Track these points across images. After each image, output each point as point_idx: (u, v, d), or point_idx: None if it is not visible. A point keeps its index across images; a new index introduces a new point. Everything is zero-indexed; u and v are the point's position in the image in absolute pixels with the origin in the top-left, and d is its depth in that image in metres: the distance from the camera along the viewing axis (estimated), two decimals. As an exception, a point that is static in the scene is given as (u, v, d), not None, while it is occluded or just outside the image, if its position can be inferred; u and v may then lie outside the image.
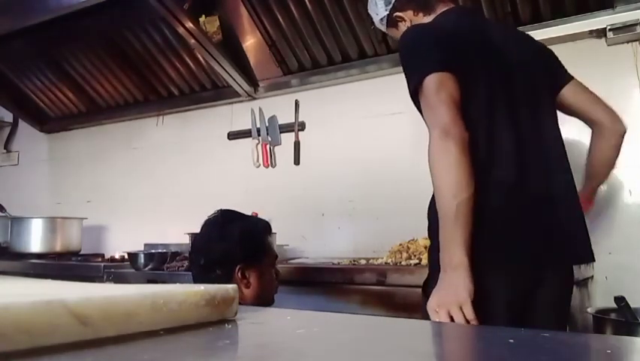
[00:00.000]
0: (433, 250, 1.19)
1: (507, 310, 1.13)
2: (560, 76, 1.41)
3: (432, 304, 1.10)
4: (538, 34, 1.96)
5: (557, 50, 1.98)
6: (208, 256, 1.41)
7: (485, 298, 1.09)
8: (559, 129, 1.34)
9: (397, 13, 1.42)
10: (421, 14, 1.39)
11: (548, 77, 1.38)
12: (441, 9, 1.36)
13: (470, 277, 1.07)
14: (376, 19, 1.48)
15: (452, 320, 1.05)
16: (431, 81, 1.15)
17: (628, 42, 1.91)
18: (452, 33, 1.26)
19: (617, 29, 1.85)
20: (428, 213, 1.25)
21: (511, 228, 1.16)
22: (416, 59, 1.23)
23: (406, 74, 1.24)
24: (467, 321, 1.05)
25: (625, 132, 1.43)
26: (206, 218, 1.52)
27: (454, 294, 1.07)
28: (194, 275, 1.49)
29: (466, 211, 1.08)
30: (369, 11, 1.50)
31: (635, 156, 1.86)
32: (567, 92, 1.40)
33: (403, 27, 1.40)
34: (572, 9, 1.93)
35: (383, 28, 1.50)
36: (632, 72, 1.89)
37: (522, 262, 1.17)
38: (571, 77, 1.42)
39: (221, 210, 1.53)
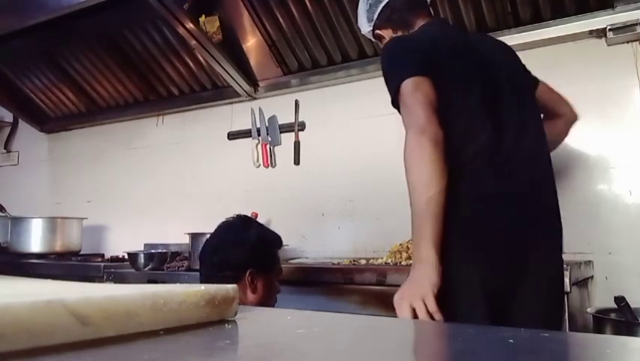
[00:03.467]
0: None
1: (485, 301, 1.13)
2: (532, 78, 1.49)
3: (396, 297, 1.12)
4: (538, 34, 1.97)
5: (557, 50, 2.01)
6: (223, 256, 1.46)
7: (462, 289, 1.12)
8: (543, 128, 1.38)
9: (377, 31, 1.49)
10: (399, 32, 1.45)
11: (527, 78, 1.45)
12: (419, 24, 1.43)
13: (437, 272, 1.09)
14: (364, 32, 1.55)
15: (414, 312, 1.07)
16: (408, 85, 1.20)
17: (628, 42, 1.91)
18: (428, 40, 1.33)
19: (617, 29, 1.85)
20: None
21: (489, 221, 1.19)
22: (394, 68, 1.29)
23: (387, 85, 1.29)
24: (429, 314, 1.06)
25: (576, 120, 1.56)
26: (224, 220, 1.60)
27: (417, 287, 1.09)
28: (202, 273, 1.54)
29: (435, 206, 1.11)
30: (357, 24, 1.57)
31: (635, 156, 1.86)
32: (540, 92, 1.48)
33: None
34: (572, 9, 1.93)
35: (373, 39, 1.58)
36: (632, 72, 1.90)
37: (500, 252, 1.18)
38: (537, 80, 1.51)
39: (239, 215, 1.60)
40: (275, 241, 1.57)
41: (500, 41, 1.51)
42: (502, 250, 1.18)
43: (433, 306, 1.06)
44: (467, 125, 1.24)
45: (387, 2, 1.43)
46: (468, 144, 1.22)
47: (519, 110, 1.31)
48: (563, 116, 1.53)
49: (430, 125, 1.15)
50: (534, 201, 1.26)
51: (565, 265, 1.33)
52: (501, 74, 1.33)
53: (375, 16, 1.46)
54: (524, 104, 1.35)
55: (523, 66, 1.46)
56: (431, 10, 1.53)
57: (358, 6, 1.53)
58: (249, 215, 2.42)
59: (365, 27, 1.51)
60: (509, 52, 1.45)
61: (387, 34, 1.47)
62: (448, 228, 1.13)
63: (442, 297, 1.08)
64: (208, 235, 2.05)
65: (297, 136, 2.58)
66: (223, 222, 1.59)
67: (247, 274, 1.43)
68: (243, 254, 1.45)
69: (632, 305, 1.41)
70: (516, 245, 1.19)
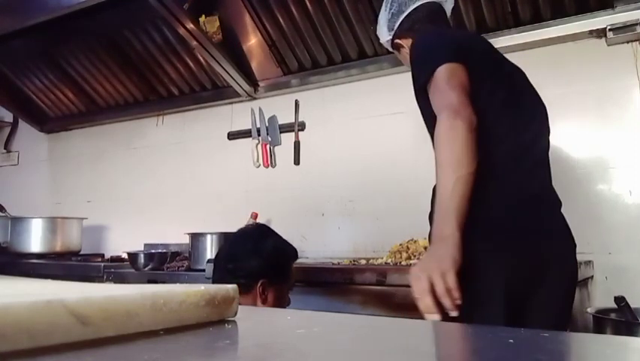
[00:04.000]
0: None
1: (506, 301, 1.12)
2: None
3: (414, 270, 1.09)
4: (538, 34, 1.97)
5: (557, 50, 2.01)
6: (238, 264, 1.46)
7: (485, 287, 1.10)
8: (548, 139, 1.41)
9: (397, 41, 1.49)
10: None
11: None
12: None
13: (459, 249, 1.06)
14: (382, 41, 1.55)
15: (432, 287, 1.03)
16: (443, 70, 1.18)
17: (628, 42, 1.91)
18: (461, 35, 1.37)
19: (617, 29, 1.85)
20: (430, 218, 1.25)
21: (516, 222, 1.18)
22: (429, 54, 1.26)
23: (415, 73, 1.27)
24: (448, 290, 1.02)
25: None
26: (242, 227, 1.61)
27: (438, 261, 1.06)
28: (215, 278, 1.53)
29: (464, 187, 1.09)
30: (377, 33, 1.57)
31: (635, 156, 1.86)
32: None
33: (405, 52, 1.47)
34: (572, 9, 1.93)
35: (390, 49, 1.58)
36: (632, 72, 1.90)
37: (524, 253, 1.17)
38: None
39: (258, 223, 1.63)
40: (290, 253, 1.57)
41: None
42: (527, 250, 1.17)
43: (453, 283, 1.02)
44: (496, 122, 1.23)
45: (409, 13, 1.44)
46: (498, 142, 1.21)
47: (536, 115, 1.34)
48: None
49: (464, 108, 1.13)
50: (552, 203, 1.28)
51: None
52: (521, 80, 1.36)
53: (397, 25, 1.46)
54: (539, 110, 1.37)
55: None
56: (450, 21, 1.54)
57: (379, 15, 1.53)
58: (250, 215, 2.42)
59: (385, 36, 1.51)
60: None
61: (406, 43, 1.47)
62: (475, 225, 1.10)
63: (464, 292, 1.04)
64: (208, 236, 2.07)
65: (297, 136, 2.58)
66: (241, 230, 1.59)
67: (259, 284, 1.43)
68: (257, 264, 1.45)
69: (632, 305, 1.41)
70: (539, 246, 1.19)
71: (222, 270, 1.49)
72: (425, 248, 1.70)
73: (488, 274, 1.12)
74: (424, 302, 1.04)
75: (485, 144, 1.15)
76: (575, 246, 1.29)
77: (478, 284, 1.10)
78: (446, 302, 1.02)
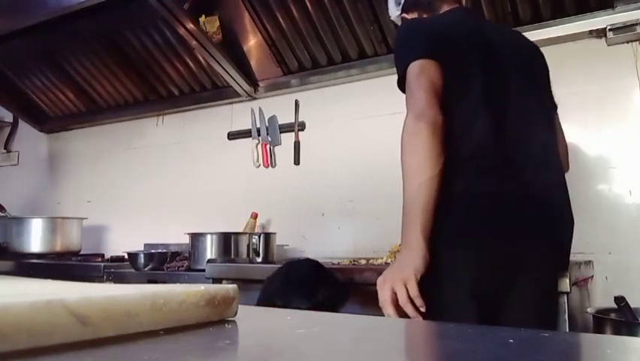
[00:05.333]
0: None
1: (473, 302, 1.11)
2: (553, 99, 1.44)
3: (379, 279, 1.12)
4: (538, 34, 1.97)
5: (557, 50, 2.00)
6: (283, 302, 1.40)
7: (451, 288, 1.10)
8: (553, 129, 1.35)
9: (404, 15, 1.48)
10: (425, 16, 1.44)
11: (547, 79, 1.41)
12: (444, 9, 1.41)
13: (423, 259, 1.08)
14: (392, 18, 1.56)
15: (395, 296, 1.07)
16: (414, 67, 1.19)
17: (628, 42, 1.91)
18: (442, 25, 1.31)
19: (617, 29, 1.85)
20: None
21: (483, 222, 1.15)
22: (404, 48, 1.27)
23: (396, 66, 1.27)
24: (410, 298, 1.06)
25: (566, 172, 1.43)
26: (297, 262, 1.55)
27: (400, 271, 1.09)
28: (258, 303, 1.46)
29: (427, 192, 1.09)
30: (389, 12, 1.57)
31: (635, 156, 1.86)
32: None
33: None
34: (572, 9, 1.93)
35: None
36: (632, 72, 1.90)
37: (493, 255, 1.14)
38: (556, 105, 1.46)
39: (315, 263, 1.52)
40: (339, 305, 1.51)
41: (525, 38, 1.46)
42: (496, 252, 1.14)
43: (414, 291, 1.06)
44: (467, 119, 1.20)
45: None
46: (466, 140, 1.18)
47: (527, 107, 1.27)
48: None
49: (428, 109, 1.13)
50: (538, 203, 1.20)
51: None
52: (514, 69, 1.28)
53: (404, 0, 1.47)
54: (535, 100, 1.30)
55: (547, 73, 1.42)
56: None
57: None
58: (250, 215, 2.43)
59: (394, 11, 1.52)
60: (530, 48, 1.42)
61: (413, 17, 1.47)
62: (441, 226, 1.11)
63: (430, 293, 1.07)
64: (208, 236, 2.07)
65: (297, 136, 2.58)
66: (296, 266, 1.52)
67: None
68: (303, 308, 1.39)
69: (632, 305, 1.40)
70: (511, 249, 1.15)
71: (266, 300, 1.43)
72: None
73: (453, 277, 1.12)
74: (387, 311, 1.08)
75: (454, 141, 1.15)
76: (563, 246, 1.26)
77: (443, 290, 1.11)
78: (409, 310, 1.06)
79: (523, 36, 1.47)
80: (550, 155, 1.30)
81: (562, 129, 1.47)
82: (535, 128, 1.28)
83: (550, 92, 1.44)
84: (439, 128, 1.12)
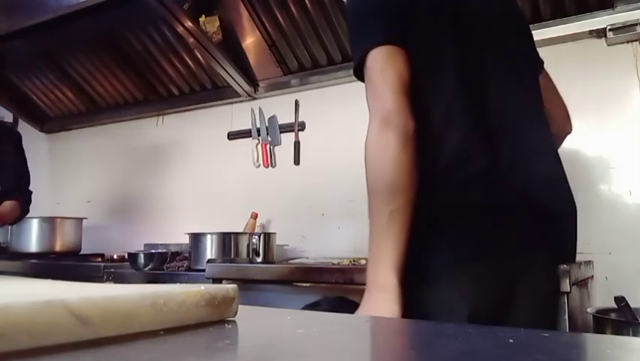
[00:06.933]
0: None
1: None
2: (539, 60, 1.26)
3: None
4: (538, 34, 1.96)
5: (557, 50, 2.00)
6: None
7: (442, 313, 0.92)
8: (543, 113, 1.16)
9: None
10: None
11: (531, 55, 1.22)
12: None
13: (398, 301, 0.90)
14: None
15: None
16: (376, 56, 0.97)
17: (628, 42, 1.91)
18: None
19: (617, 29, 1.85)
20: None
21: (472, 241, 0.96)
22: (361, 27, 1.03)
23: (350, 48, 1.07)
24: None
25: (570, 133, 1.32)
26: (322, 304, 1.40)
27: None
28: None
29: (400, 222, 0.92)
30: None
31: (635, 156, 1.86)
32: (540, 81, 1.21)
33: None
34: (572, 9, 1.93)
35: None
36: (632, 72, 1.89)
37: (484, 277, 0.95)
38: (542, 63, 1.27)
39: (336, 301, 1.37)
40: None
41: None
42: (494, 278, 0.96)
43: None
44: (442, 120, 0.99)
45: None
46: (443, 146, 0.98)
47: (512, 90, 1.08)
48: (554, 121, 1.20)
49: (397, 113, 0.93)
50: (535, 210, 1.02)
51: (565, 266, 1.32)
52: (487, 37, 1.08)
53: None
54: (519, 76, 1.11)
55: (532, 39, 1.24)
56: None
57: None
58: (250, 215, 2.42)
59: None
60: (518, 18, 1.23)
61: None
62: (419, 258, 0.93)
63: None
64: (208, 236, 2.07)
65: (297, 136, 2.58)
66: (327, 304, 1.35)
67: None
68: None
69: (632, 305, 1.40)
70: (510, 269, 0.98)
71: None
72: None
73: (446, 318, 0.92)
74: None
75: (428, 150, 0.95)
76: (567, 246, 1.14)
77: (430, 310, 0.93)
78: None
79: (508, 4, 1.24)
80: (543, 145, 1.11)
81: (554, 86, 1.29)
82: (523, 115, 1.08)
83: (534, 49, 1.24)
84: (410, 137, 0.93)
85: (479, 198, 0.97)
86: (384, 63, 0.97)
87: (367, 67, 0.99)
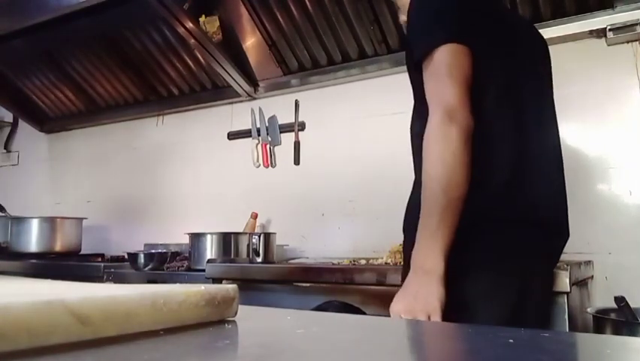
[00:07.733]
0: (410, 246, 1.06)
1: (509, 315, 1.00)
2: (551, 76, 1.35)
3: (397, 308, 0.98)
4: (538, 34, 1.97)
5: (557, 49, 1.99)
6: None
7: (483, 312, 0.98)
8: (558, 132, 1.27)
9: None
10: None
11: (550, 77, 1.33)
12: None
13: (444, 285, 0.95)
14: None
15: None
16: (445, 53, 0.99)
17: (628, 42, 1.91)
18: (476, 1, 1.10)
19: (617, 29, 1.85)
20: (404, 230, 1.16)
21: (511, 248, 1.04)
22: (429, 23, 1.05)
23: (411, 39, 1.08)
24: None
25: None
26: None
27: (423, 301, 0.94)
28: None
29: (455, 211, 0.96)
30: None
31: (635, 156, 1.86)
32: None
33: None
34: (572, 9, 1.93)
35: None
36: (632, 72, 1.89)
37: (514, 276, 1.04)
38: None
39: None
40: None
41: (536, 29, 1.34)
42: (517, 276, 1.05)
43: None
44: (491, 121, 1.05)
45: None
46: (492, 150, 1.04)
47: (541, 111, 1.17)
48: None
49: (462, 109, 0.96)
50: (553, 228, 1.14)
51: (565, 265, 1.32)
52: (526, 61, 1.16)
53: None
54: (544, 104, 1.21)
55: (549, 60, 1.32)
56: None
57: None
58: (250, 215, 2.42)
59: None
60: (542, 41, 1.31)
61: None
62: (466, 250, 0.98)
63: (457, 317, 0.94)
64: (208, 236, 2.07)
65: (297, 136, 2.58)
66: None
67: None
68: None
69: (632, 305, 1.40)
70: (528, 273, 1.08)
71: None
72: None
73: (490, 310, 0.99)
74: None
75: (480, 149, 1.00)
76: (560, 252, 1.25)
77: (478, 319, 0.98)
78: None
79: (534, 27, 1.34)
80: (559, 164, 1.20)
81: None
82: (548, 137, 1.17)
83: (551, 71, 1.34)
84: (470, 133, 0.97)
85: (511, 209, 1.06)
86: (453, 59, 1.00)
87: (434, 60, 1.01)
